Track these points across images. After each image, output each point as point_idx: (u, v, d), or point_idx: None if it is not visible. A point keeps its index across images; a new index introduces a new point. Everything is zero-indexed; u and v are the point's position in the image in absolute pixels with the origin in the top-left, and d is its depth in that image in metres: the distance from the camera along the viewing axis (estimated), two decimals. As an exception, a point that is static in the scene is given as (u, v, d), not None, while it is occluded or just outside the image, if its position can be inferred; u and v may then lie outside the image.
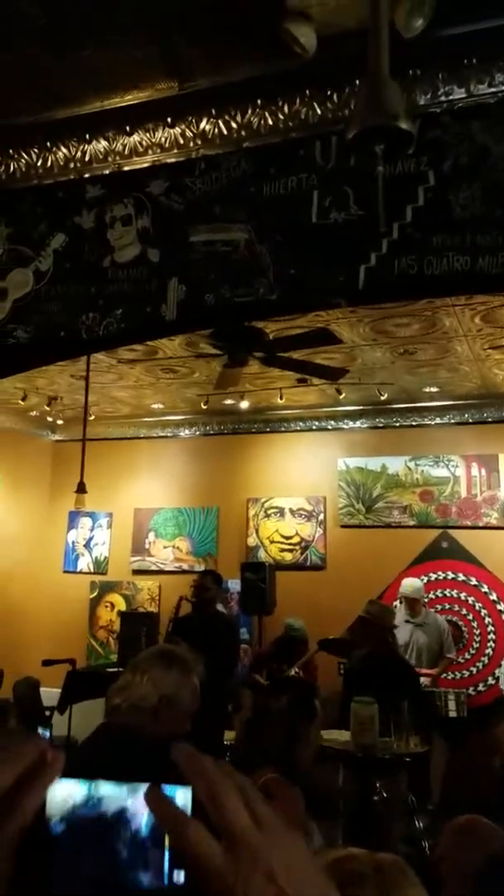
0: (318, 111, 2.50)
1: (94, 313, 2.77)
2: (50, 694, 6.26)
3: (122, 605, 7.58)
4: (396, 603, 6.02)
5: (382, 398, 6.20)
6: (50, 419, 7.56)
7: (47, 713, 6.19)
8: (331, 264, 2.42)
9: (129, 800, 0.53)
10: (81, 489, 5.46)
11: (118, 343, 2.93)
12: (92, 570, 7.87)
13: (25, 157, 2.89)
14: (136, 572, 7.65)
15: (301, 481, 7.15)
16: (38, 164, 2.88)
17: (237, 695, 6.04)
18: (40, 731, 4.08)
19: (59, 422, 7.68)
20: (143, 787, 0.52)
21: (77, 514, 7.85)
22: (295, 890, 0.49)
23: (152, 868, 0.51)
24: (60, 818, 0.52)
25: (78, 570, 7.93)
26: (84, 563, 7.94)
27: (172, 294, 2.66)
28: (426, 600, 6.24)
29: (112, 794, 0.53)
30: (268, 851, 0.49)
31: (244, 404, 6.50)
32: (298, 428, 7.22)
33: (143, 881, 0.51)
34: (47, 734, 4.28)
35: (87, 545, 7.96)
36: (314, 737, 2.60)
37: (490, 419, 6.50)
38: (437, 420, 6.62)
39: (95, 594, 7.74)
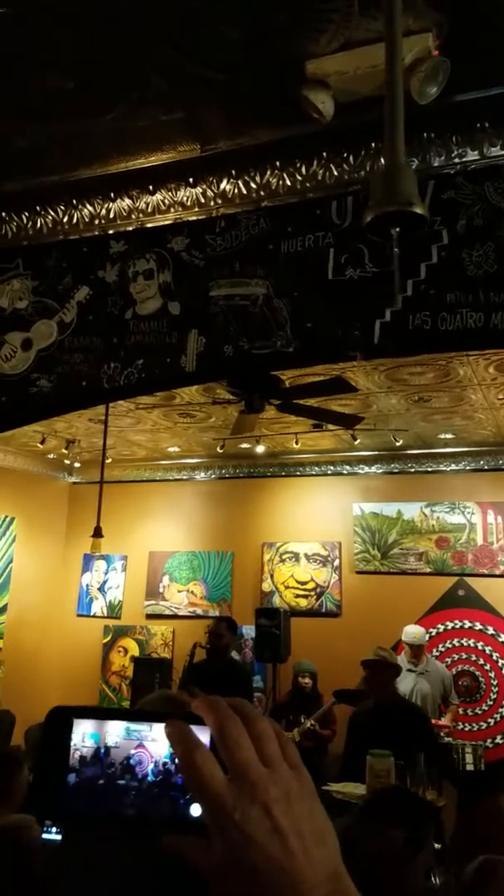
0: (335, 172, 2.59)
1: (116, 363, 2.84)
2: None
3: (135, 649, 7.54)
4: (402, 654, 5.94)
5: (398, 444, 6.23)
6: (67, 462, 7.64)
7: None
8: (347, 319, 2.48)
9: (148, 738, 0.55)
10: (98, 534, 5.49)
11: (138, 392, 2.99)
12: (106, 613, 7.85)
13: (52, 213, 3.00)
14: (150, 616, 7.62)
15: (316, 526, 7.15)
16: (64, 220, 2.99)
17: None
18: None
19: (77, 464, 7.76)
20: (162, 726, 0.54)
21: (92, 557, 7.86)
22: (291, 824, 0.51)
23: (169, 802, 0.54)
24: (81, 757, 0.55)
25: (92, 613, 7.92)
26: (98, 606, 7.93)
27: (192, 346, 2.72)
28: (443, 650, 6.16)
29: (133, 731, 0.56)
30: (268, 786, 0.51)
31: (260, 448, 6.55)
32: (314, 472, 7.25)
33: (160, 814, 0.53)
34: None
35: (101, 588, 7.96)
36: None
37: (506, 466, 6.51)
38: (453, 466, 6.63)
39: (109, 638, 7.70)
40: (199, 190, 2.77)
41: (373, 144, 2.55)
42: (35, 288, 3.06)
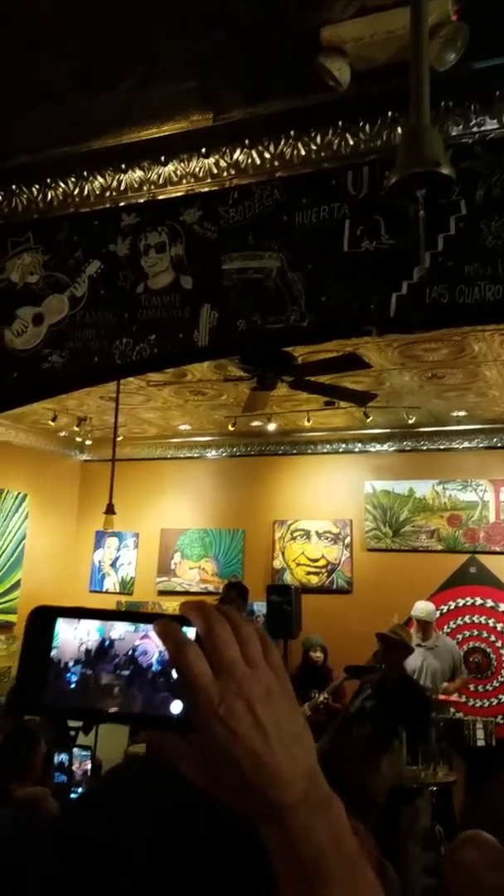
0: (351, 142, 2.53)
1: (128, 339, 2.81)
2: (74, 714, 6.26)
3: (147, 625, 7.58)
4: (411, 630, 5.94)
5: (410, 422, 6.19)
6: (79, 439, 7.65)
7: (72, 733, 6.19)
8: (362, 292, 2.44)
9: (140, 639, 0.57)
10: (110, 510, 5.50)
11: (151, 368, 2.97)
12: (118, 590, 7.90)
13: (63, 186, 2.96)
14: (162, 593, 7.66)
15: (327, 504, 7.13)
16: (75, 192, 2.95)
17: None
18: (65, 756, 4.08)
19: (88, 442, 7.77)
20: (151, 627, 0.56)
21: (104, 534, 7.89)
22: (272, 721, 0.53)
23: (157, 699, 0.55)
24: (72, 657, 0.56)
25: (104, 589, 7.97)
26: (110, 583, 7.97)
27: (205, 321, 2.69)
28: (454, 627, 6.16)
29: (124, 632, 0.57)
30: (251, 683, 0.53)
31: (271, 426, 6.53)
32: (325, 450, 7.22)
33: (149, 710, 0.55)
34: (65, 757, 4.27)
35: (113, 565, 8.00)
36: (387, 770, 2.58)
37: (519, 444, 6.46)
38: (466, 444, 6.59)
39: (121, 614, 7.75)
40: (211, 161, 2.72)
41: (389, 113, 2.49)
42: (46, 262, 3.03)
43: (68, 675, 0.56)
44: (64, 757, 3.86)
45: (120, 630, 0.57)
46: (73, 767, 3.95)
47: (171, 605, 7.56)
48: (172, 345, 2.75)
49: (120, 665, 0.56)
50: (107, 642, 0.57)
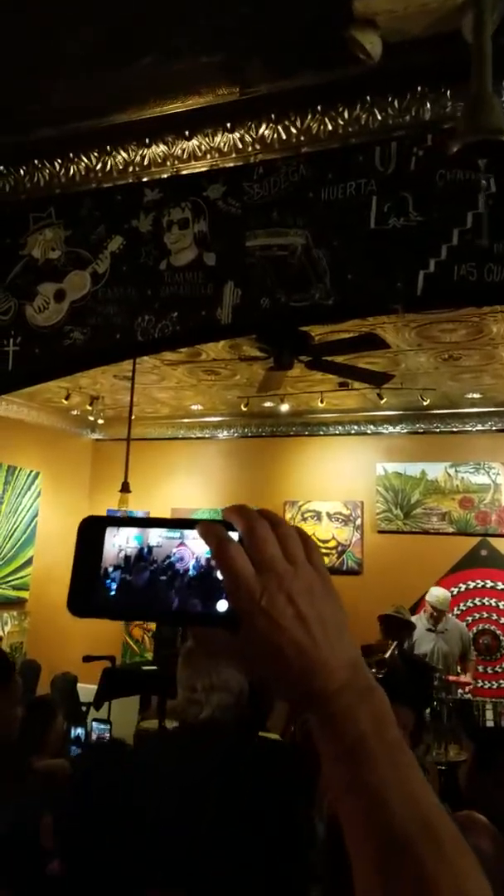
0: (379, 117, 2.50)
1: (150, 316, 2.81)
2: (86, 690, 6.34)
3: (157, 604, 7.63)
4: (421, 613, 5.95)
5: (425, 403, 6.17)
6: (91, 418, 7.65)
7: (83, 709, 6.26)
8: (389, 270, 2.42)
9: (176, 546, 0.59)
10: (125, 489, 5.52)
11: (173, 345, 2.96)
12: (128, 568, 7.94)
13: (85, 160, 2.93)
14: (173, 572, 7.69)
15: (339, 485, 7.14)
16: (98, 167, 2.93)
17: (270, 699, 6.05)
18: (81, 730, 4.13)
19: (100, 421, 7.77)
20: (195, 532, 0.58)
21: (115, 513, 7.91)
22: (313, 613, 0.55)
23: (200, 598, 0.57)
24: (113, 564, 0.59)
25: (114, 568, 8.01)
26: (121, 561, 8.01)
27: (228, 298, 2.68)
28: (464, 609, 6.18)
29: (161, 540, 0.60)
30: (292, 578, 0.55)
31: (284, 407, 6.51)
32: (337, 432, 7.21)
33: (193, 608, 0.57)
34: (81, 730, 4.32)
35: (124, 544, 8.03)
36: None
37: (532, 427, 6.44)
38: (479, 427, 6.57)
39: (131, 593, 7.80)
40: (236, 135, 2.69)
41: (419, 88, 2.45)
42: (68, 238, 3.01)
43: (111, 581, 0.59)
44: (80, 731, 3.91)
45: (157, 538, 0.60)
46: (92, 740, 3.99)
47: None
48: (195, 322, 2.74)
49: (159, 570, 0.59)
50: (145, 549, 0.59)
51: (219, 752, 1.95)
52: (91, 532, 0.61)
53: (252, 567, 0.55)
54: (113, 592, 0.59)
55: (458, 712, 5.20)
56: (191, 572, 0.58)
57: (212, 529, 0.56)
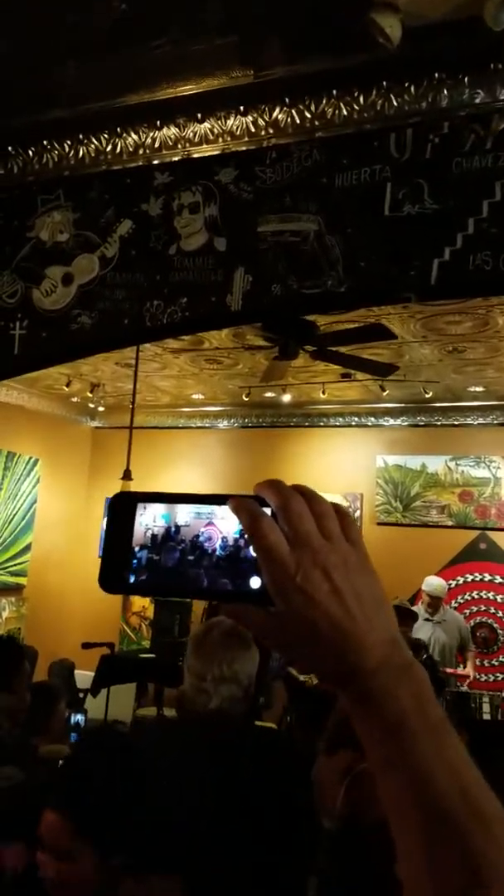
0: (395, 103, 2.47)
1: (159, 301, 2.78)
2: (83, 677, 6.34)
3: (155, 592, 7.63)
4: (419, 604, 5.97)
5: (427, 396, 6.15)
6: (91, 406, 7.62)
7: (80, 695, 6.26)
8: (403, 258, 2.40)
9: (217, 517, 0.58)
10: (127, 476, 5.50)
11: (182, 332, 2.94)
12: (126, 556, 7.93)
13: (95, 142, 2.90)
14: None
15: (338, 477, 7.13)
16: (108, 149, 2.89)
17: (269, 688, 6.06)
18: (80, 717, 4.13)
19: (100, 409, 7.74)
20: (223, 511, 0.57)
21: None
22: (349, 588, 0.53)
23: (231, 576, 0.56)
24: (153, 535, 0.58)
25: (112, 556, 8.00)
26: (119, 549, 8.00)
27: (238, 284, 2.65)
28: (462, 601, 6.19)
29: (190, 519, 0.59)
30: (327, 553, 0.53)
31: (286, 397, 6.49)
32: (338, 423, 7.20)
33: (225, 586, 0.56)
34: (81, 717, 4.32)
35: (122, 532, 8.02)
36: None
37: (533, 421, 6.43)
38: (480, 420, 6.56)
39: (129, 581, 7.80)
40: (249, 119, 2.66)
41: (436, 75, 2.42)
42: (76, 220, 2.98)
43: (141, 558, 0.58)
44: (80, 717, 3.90)
45: (185, 517, 0.59)
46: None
47: (180, 574, 7.60)
48: (205, 308, 2.72)
49: (188, 548, 0.58)
50: (172, 528, 0.59)
51: (223, 742, 1.96)
52: (122, 508, 0.60)
53: (285, 542, 0.53)
54: (143, 569, 0.58)
55: (456, 705, 5.22)
56: (219, 551, 0.58)
57: (244, 504, 0.55)
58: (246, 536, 0.55)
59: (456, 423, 6.67)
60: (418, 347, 4.97)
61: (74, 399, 7.45)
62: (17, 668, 2.09)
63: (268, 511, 0.55)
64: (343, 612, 0.53)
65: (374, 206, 2.47)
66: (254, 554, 0.55)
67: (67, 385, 6.72)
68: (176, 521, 0.59)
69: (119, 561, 0.58)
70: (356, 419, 7.10)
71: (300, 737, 6.00)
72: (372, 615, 0.54)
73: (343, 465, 7.14)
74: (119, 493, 0.61)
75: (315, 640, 0.53)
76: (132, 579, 0.58)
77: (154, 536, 0.58)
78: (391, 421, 6.95)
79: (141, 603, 7.69)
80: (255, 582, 0.55)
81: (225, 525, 0.58)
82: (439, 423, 6.74)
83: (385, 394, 6.20)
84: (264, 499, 0.56)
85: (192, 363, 5.93)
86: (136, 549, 0.58)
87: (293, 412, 7.28)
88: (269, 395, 6.63)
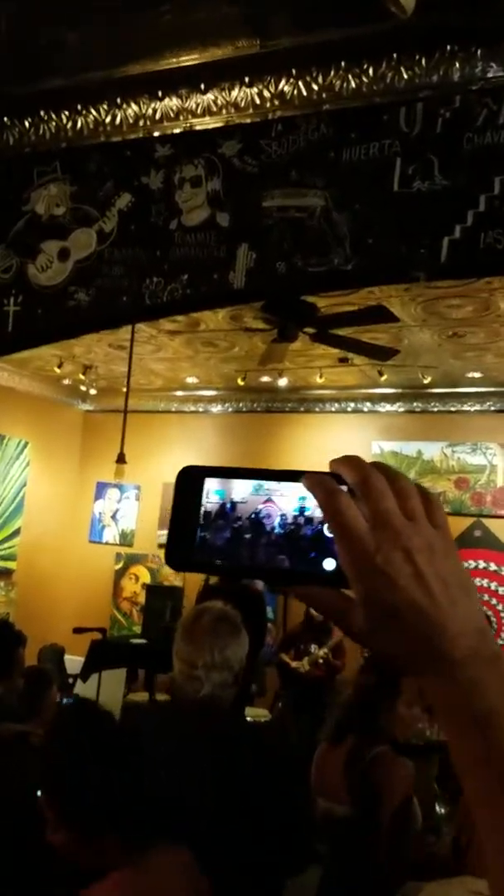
0: (405, 76, 2.40)
1: (159, 278, 2.70)
2: (73, 662, 6.30)
3: (147, 577, 7.59)
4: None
5: (426, 382, 6.10)
6: (83, 388, 7.53)
7: (70, 680, 6.23)
8: (412, 235, 2.33)
9: (276, 493, 0.56)
10: (121, 459, 5.43)
11: (183, 310, 2.87)
12: (118, 541, 7.88)
13: (94, 113, 2.81)
14: (163, 546, 7.62)
15: (333, 463, 7.07)
16: (107, 120, 2.81)
17: (262, 674, 6.04)
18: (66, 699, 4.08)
19: (92, 391, 7.65)
20: (291, 484, 0.54)
21: (105, 486, 7.84)
22: (432, 572, 0.50)
23: (306, 555, 0.54)
24: (206, 513, 0.56)
25: (103, 540, 7.94)
26: (110, 534, 7.94)
27: (242, 261, 2.58)
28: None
29: (247, 495, 0.56)
30: (410, 534, 0.50)
31: (282, 381, 6.43)
32: (333, 409, 7.15)
33: (296, 567, 0.54)
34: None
35: (113, 517, 7.96)
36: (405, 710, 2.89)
37: (530, 408, 6.40)
38: (477, 406, 6.52)
39: (121, 565, 7.75)
40: (254, 90, 2.58)
41: (448, 47, 2.35)
42: (74, 194, 2.89)
43: (204, 536, 0.55)
44: (71, 702, 3.85)
45: (242, 493, 0.56)
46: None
47: (172, 559, 7.56)
48: (206, 286, 2.64)
49: (255, 526, 0.55)
50: (227, 505, 0.56)
51: (216, 729, 1.95)
52: (189, 483, 0.57)
53: (364, 521, 0.50)
54: (209, 548, 0.55)
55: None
56: (284, 530, 0.54)
57: (320, 481, 0.52)
58: (321, 515, 0.52)
59: (453, 409, 6.63)
60: (418, 331, 4.91)
61: (66, 381, 7.36)
62: (13, 654, 2.04)
63: (344, 489, 0.52)
64: (426, 597, 0.49)
65: (383, 182, 2.39)
66: (328, 533, 0.52)
67: (59, 366, 6.62)
68: (235, 497, 0.56)
69: (185, 538, 0.56)
70: (352, 405, 7.05)
71: (290, 723, 6.00)
72: (458, 602, 0.50)
73: (339, 452, 6.91)
74: (186, 468, 0.58)
75: (396, 626, 0.50)
76: (199, 557, 0.56)
77: (220, 514, 0.56)
78: (387, 407, 6.91)
79: (132, 588, 7.65)
80: (330, 563, 0.52)
81: (284, 503, 0.55)
82: (436, 409, 6.69)
83: (383, 378, 6.15)
84: (340, 476, 0.52)
85: (187, 345, 5.85)
86: (203, 526, 0.56)
87: (289, 397, 7.22)
88: (265, 379, 6.57)
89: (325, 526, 0.52)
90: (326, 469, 0.56)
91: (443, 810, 4.76)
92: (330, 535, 0.52)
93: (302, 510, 0.55)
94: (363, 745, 2.75)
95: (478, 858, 1.81)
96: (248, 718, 4.83)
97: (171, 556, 0.56)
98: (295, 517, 0.55)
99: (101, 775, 1.48)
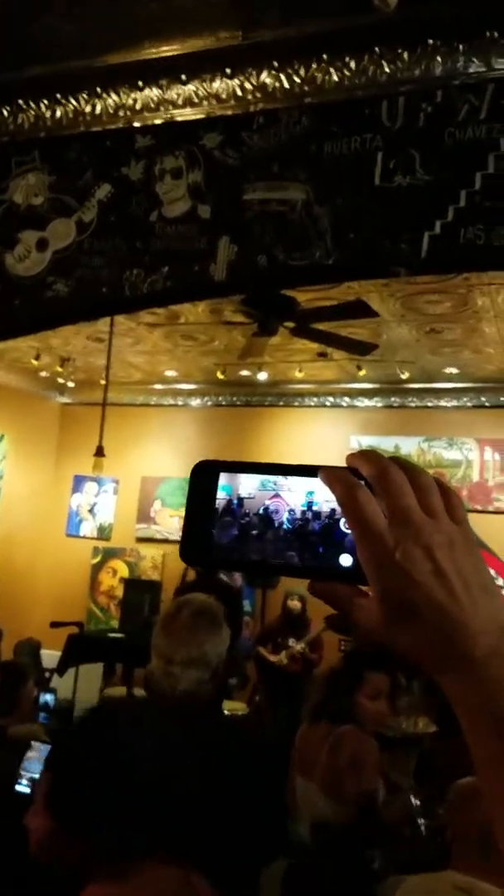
0: (387, 70, 2.40)
1: (139, 270, 2.68)
2: (49, 656, 6.26)
3: (125, 571, 7.56)
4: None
5: (404, 377, 6.13)
6: (60, 381, 7.47)
7: (47, 675, 6.19)
8: (393, 230, 2.34)
9: (284, 488, 0.55)
10: (100, 452, 5.39)
11: (163, 302, 2.85)
12: (95, 535, 7.84)
13: (74, 102, 2.78)
14: (141, 540, 7.62)
15: (312, 458, 7.04)
16: (87, 110, 2.77)
17: (239, 667, 6.04)
18: (49, 696, 4.06)
19: (70, 384, 7.59)
20: (306, 479, 0.54)
21: (83, 479, 7.79)
22: (454, 569, 0.49)
23: (322, 552, 0.53)
24: (224, 513, 0.55)
25: (81, 534, 7.90)
26: (87, 528, 7.90)
27: (223, 253, 2.57)
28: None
29: (267, 482, 0.56)
30: (430, 531, 0.49)
31: (262, 376, 6.43)
32: (312, 404, 7.16)
33: (312, 563, 0.54)
34: (51, 697, 4.26)
35: (91, 510, 7.91)
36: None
37: (507, 404, 6.46)
38: (454, 402, 6.57)
39: (98, 559, 7.71)
40: (236, 82, 2.57)
41: (430, 41, 2.35)
42: (52, 183, 2.86)
43: (219, 532, 0.55)
44: (49, 697, 3.83)
45: (249, 488, 0.56)
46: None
47: (150, 552, 7.53)
48: (187, 278, 2.63)
49: (269, 518, 0.55)
50: (234, 501, 0.55)
51: (197, 726, 1.95)
52: (203, 478, 0.57)
53: (383, 516, 0.49)
54: (225, 543, 0.55)
55: (428, 688, 5.25)
56: (316, 525, 0.54)
57: (338, 476, 0.51)
58: (336, 510, 0.52)
59: (430, 404, 6.67)
60: (396, 327, 4.94)
61: (43, 374, 7.29)
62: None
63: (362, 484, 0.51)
64: (447, 594, 0.48)
65: (365, 176, 2.39)
66: (345, 529, 0.51)
67: (36, 358, 6.56)
68: (238, 492, 0.56)
69: (200, 533, 0.55)
70: (331, 399, 7.07)
71: (268, 716, 6.01)
72: (479, 600, 0.49)
73: (317, 446, 7.11)
74: (200, 462, 0.58)
75: (414, 624, 0.49)
76: (214, 553, 0.55)
77: (229, 510, 0.55)
78: (365, 402, 6.93)
79: (110, 582, 7.61)
80: (346, 559, 0.52)
81: (293, 497, 0.55)
82: (413, 404, 6.74)
83: (361, 373, 6.17)
84: (357, 471, 0.51)
85: (166, 338, 5.83)
86: (217, 521, 0.55)
87: (268, 391, 7.22)
88: (244, 373, 6.56)
89: (342, 522, 0.52)
90: (315, 462, 0.56)
91: (418, 802, 4.81)
92: (347, 530, 0.51)
93: (310, 504, 0.54)
94: (334, 728, 2.84)
95: (494, 856, 1.83)
96: (227, 712, 4.84)
97: (185, 552, 0.56)
98: (308, 512, 0.54)
99: (101, 772, 1.46)
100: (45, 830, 1.43)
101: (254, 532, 0.55)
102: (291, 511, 0.54)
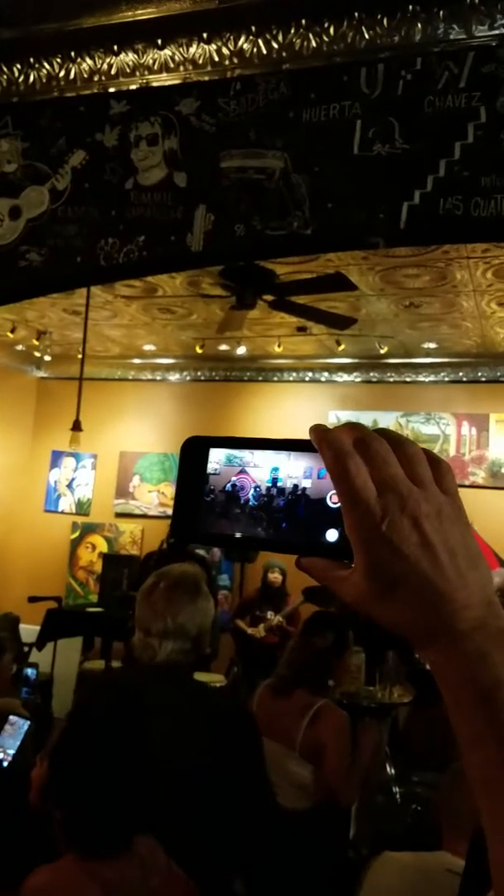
0: (367, 36, 2.36)
1: (114, 239, 2.64)
2: (27, 631, 6.25)
3: (103, 546, 7.55)
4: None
5: (382, 352, 6.14)
6: (37, 354, 7.38)
7: (25, 649, 6.18)
8: (371, 200, 2.32)
9: (250, 465, 0.55)
10: (77, 427, 5.35)
11: (139, 273, 2.82)
12: (74, 510, 7.80)
13: (47, 67, 2.71)
14: (120, 515, 7.60)
15: (291, 432, 6.97)
16: (61, 75, 2.71)
17: (216, 638, 6.08)
18: (30, 670, 4.06)
19: (47, 358, 7.50)
20: (299, 454, 0.54)
21: (60, 454, 7.74)
22: (440, 540, 0.48)
23: (308, 524, 0.53)
24: (215, 488, 0.55)
25: (59, 510, 7.86)
26: (66, 503, 7.86)
27: (199, 223, 2.54)
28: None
29: (234, 458, 0.56)
30: (418, 501, 0.48)
31: (241, 350, 6.39)
32: (291, 378, 7.15)
33: (298, 538, 0.53)
34: (32, 671, 4.26)
35: (69, 486, 7.87)
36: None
37: (483, 378, 6.49)
38: (432, 377, 6.59)
39: (77, 535, 7.69)
40: (213, 47, 2.52)
41: (410, 7, 2.32)
42: (25, 150, 2.80)
43: (207, 507, 0.55)
44: (30, 671, 3.83)
45: (215, 464, 0.56)
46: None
47: (129, 527, 7.52)
48: (163, 247, 2.59)
49: (236, 494, 0.55)
50: (220, 472, 0.56)
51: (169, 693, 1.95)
52: (193, 454, 0.57)
53: (373, 487, 0.48)
54: (212, 518, 0.55)
55: (401, 655, 5.32)
56: (303, 500, 0.53)
57: (328, 437, 0.49)
58: (327, 477, 0.50)
59: (408, 379, 6.69)
60: (375, 301, 4.92)
61: (19, 347, 7.20)
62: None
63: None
64: (433, 566, 0.47)
65: (343, 145, 2.37)
66: (332, 504, 0.51)
67: (12, 331, 6.47)
68: (231, 469, 0.56)
69: (190, 509, 0.55)
70: (309, 374, 7.06)
71: (245, 688, 6.07)
72: (466, 572, 0.48)
73: (296, 421, 7.10)
74: (190, 438, 0.57)
75: (400, 596, 0.48)
76: (201, 528, 0.55)
77: (225, 485, 0.55)
78: (344, 377, 6.94)
79: (88, 557, 7.60)
80: (332, 534, 0.52)
81: (259, 473, 0.54)
82: (391, 379, 6.75)
83: (340, 348, 6.16)
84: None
85: (144, 311, 5.77)
86: (207, 497, 0.55)
87: (247, 366, 7.19)
88: (223, 347, 6.52)
89: (329, 495, 0.51)
90: (293, 437, 0.55)
91: (392, 771, 4.91)
92: (333, 504, 0.50)
93: (273, 481, 0.54)
94: (312, 699, 2.91)
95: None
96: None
97: (175, 528, 0.56)
98: (267, 489, 0.54)
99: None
100: (45, 779, 1.44)
101: (242, 508, 0.54)
102: (255, 487, 0.54)
